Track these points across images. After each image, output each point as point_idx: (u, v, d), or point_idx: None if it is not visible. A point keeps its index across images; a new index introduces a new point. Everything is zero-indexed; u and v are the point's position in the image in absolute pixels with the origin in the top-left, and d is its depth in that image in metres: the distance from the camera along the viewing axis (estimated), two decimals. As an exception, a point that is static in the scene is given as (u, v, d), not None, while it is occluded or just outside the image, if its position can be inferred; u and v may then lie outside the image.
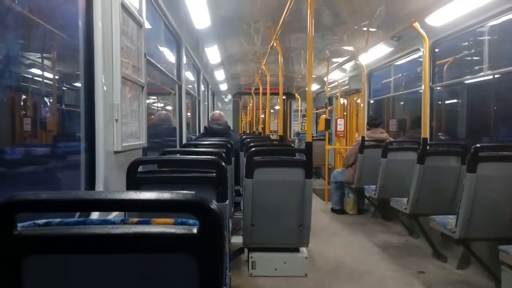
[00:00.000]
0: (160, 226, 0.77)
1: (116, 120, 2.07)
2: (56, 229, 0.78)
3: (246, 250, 3.31)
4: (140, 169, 1.94)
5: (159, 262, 0.77)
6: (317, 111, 10.58)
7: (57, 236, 0.75)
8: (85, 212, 1.61)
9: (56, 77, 3.11)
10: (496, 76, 4.35)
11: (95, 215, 1.65)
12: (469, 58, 5.44)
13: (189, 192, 0.74)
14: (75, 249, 0.75)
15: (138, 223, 0.79)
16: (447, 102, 6.09)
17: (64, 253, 0.75)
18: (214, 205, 0.73)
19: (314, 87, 9.87)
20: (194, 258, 0.74)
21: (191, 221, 0.78)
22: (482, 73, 4.88)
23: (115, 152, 2.09)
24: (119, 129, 2.09)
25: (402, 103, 7.26)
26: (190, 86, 6.11)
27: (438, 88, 4.92)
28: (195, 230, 0.74)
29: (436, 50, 4.60)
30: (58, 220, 0.81)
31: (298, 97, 11.74)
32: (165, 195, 0.72)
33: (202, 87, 7.59)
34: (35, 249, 0.74)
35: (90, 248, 0.75)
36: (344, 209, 5.75)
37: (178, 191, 0.73)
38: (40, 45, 2.83)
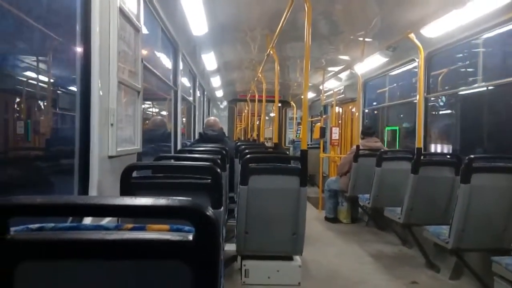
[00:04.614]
0: (155, 233, 0.76)
1: (112, 124, 2.06)
2: (50, 234, 0.77)
3: (239, 258, 3.29)
4: (134, 174, 1.93)
5: (154, 269, 0.76)
6: (312, 119, 10.61)
7: (51, 241, 0.73)
8: (79, 217, 1.59)
9: (51, 80, 3.09)
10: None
11: (87, 220, 1.63)
12: (464, 69, 5.50)
13: (185, 198, 0.73)
14: (69, 254, 0.73)
15: (133, 229, 0.78)
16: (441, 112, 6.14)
17: (57, 258, 0.74)
18: (210, 211, 0.72)
19: (310, 95, 9.90)
20: (189, 265, 0.73)
21: (186, 227, 0.77)
22: (476, 84, 4.93)
23: (110, 157, 2.07)
24: (114, 133, 2.08)
25: (397, 112, 7.30)
26: (186, 92, 6.11)
27: (432, 98, 4.97)
28: (190, 237, 0.73)
29: (431, 61, 4.65)
30: (52, 225, 0.79)
31: (294, 104, 11.77)
32: (161, 201, 0.71)
33: (198, 93, 7.59)
34: (28, 254, 0.73)
35: (83, 254, 0.73)
36: (338, 218, 5.74)
37: (174, 197, 0.73)
38: (36, 48, 2.81)
